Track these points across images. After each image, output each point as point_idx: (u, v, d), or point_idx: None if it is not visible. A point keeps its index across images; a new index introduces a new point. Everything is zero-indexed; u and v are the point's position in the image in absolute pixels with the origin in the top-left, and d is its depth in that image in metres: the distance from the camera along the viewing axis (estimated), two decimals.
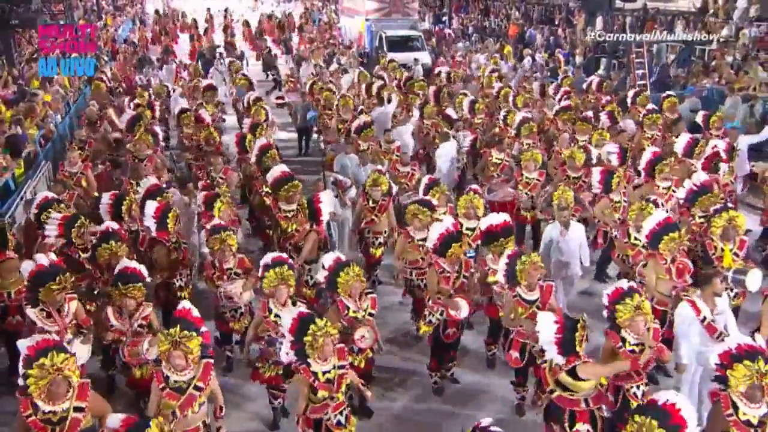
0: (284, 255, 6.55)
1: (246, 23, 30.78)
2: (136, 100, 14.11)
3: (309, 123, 15.27)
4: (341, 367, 5.28)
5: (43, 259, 6.31)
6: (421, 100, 14.01)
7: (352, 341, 5.92)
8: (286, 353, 5.48)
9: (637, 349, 5.47)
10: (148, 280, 6.43)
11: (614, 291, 5.58)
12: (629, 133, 11.59)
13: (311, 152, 15.39)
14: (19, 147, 11.49)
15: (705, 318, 6.08)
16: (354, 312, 6.06)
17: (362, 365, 6.12)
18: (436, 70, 18.20)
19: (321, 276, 6.35)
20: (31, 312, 6.07)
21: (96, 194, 9.83)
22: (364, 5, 25.76)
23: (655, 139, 11.24)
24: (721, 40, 17.72)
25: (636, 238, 7.46)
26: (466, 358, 7.65)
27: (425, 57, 22.37)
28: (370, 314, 6.16)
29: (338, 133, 12.43)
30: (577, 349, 5.22)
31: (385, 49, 22.82)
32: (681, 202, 8.38)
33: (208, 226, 7.43)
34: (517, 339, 6.40)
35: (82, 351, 5.80)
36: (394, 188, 9.14)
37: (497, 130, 12.00)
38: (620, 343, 5.48)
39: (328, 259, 6.33)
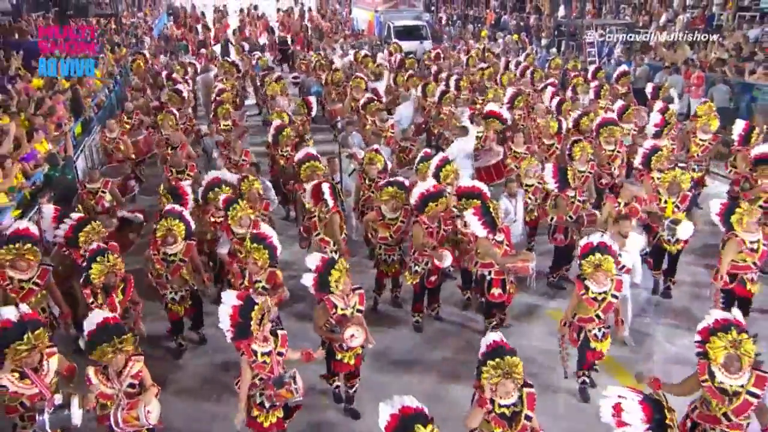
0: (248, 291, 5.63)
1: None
2: (174, 75, 15.25)
3: (314, 97, 16.72)
4: None
5: (10, 312, 4.77)
6: (421, 81, 14.32)
7: (341, 340, 5.46)
8: (296, 389, 4.90)
9: (599, 297, 5.68)
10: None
11: (584, 245, 5.75)
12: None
13: (316, 120, 16.81)
14: (79, 106, 12.74)
15: None
16: (342, 309, 5.54)
17: (351, 362, 5.68)
18: (433, 53, 18.93)
19: (308, 279, 5.62)
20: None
21: (133, 156, 11.02)
22: None
23: (607, 108, 12.03)
24: (661, 23, 19.12)
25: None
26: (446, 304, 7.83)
27: (428, 45, 22.31)
28: (359, 311, 5.62)
29: (351, 111, 12.81)
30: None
31: (392, 37, 22.85)
32: (639, 167, 8.63)
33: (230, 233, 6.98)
34: (496, 278, 6.75)
35: (78, 412, 4.50)
36: (389, 164, 9.00)
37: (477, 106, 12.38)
38: (583, 291, 5.71)
39: (313, 260, 5.69)
